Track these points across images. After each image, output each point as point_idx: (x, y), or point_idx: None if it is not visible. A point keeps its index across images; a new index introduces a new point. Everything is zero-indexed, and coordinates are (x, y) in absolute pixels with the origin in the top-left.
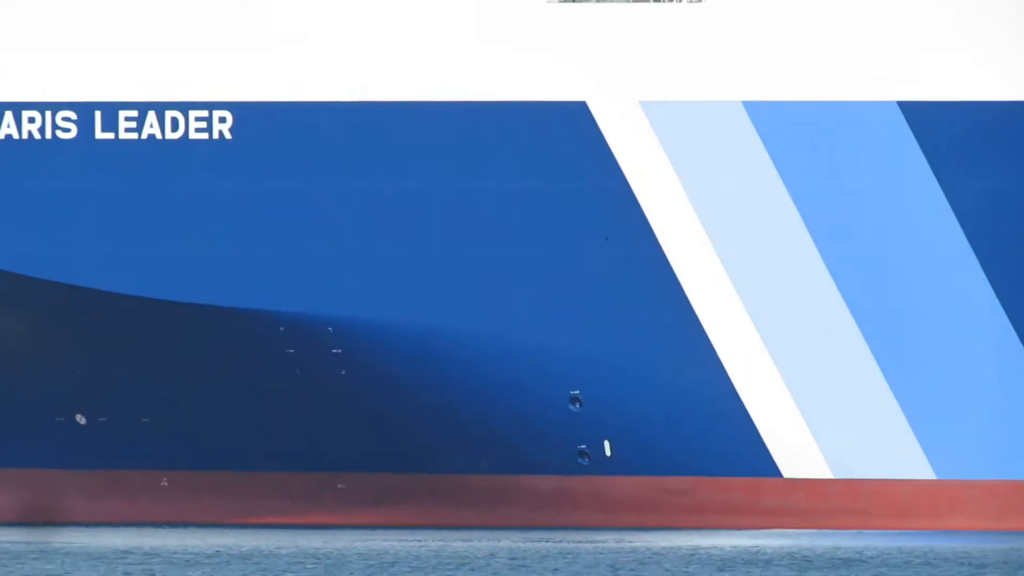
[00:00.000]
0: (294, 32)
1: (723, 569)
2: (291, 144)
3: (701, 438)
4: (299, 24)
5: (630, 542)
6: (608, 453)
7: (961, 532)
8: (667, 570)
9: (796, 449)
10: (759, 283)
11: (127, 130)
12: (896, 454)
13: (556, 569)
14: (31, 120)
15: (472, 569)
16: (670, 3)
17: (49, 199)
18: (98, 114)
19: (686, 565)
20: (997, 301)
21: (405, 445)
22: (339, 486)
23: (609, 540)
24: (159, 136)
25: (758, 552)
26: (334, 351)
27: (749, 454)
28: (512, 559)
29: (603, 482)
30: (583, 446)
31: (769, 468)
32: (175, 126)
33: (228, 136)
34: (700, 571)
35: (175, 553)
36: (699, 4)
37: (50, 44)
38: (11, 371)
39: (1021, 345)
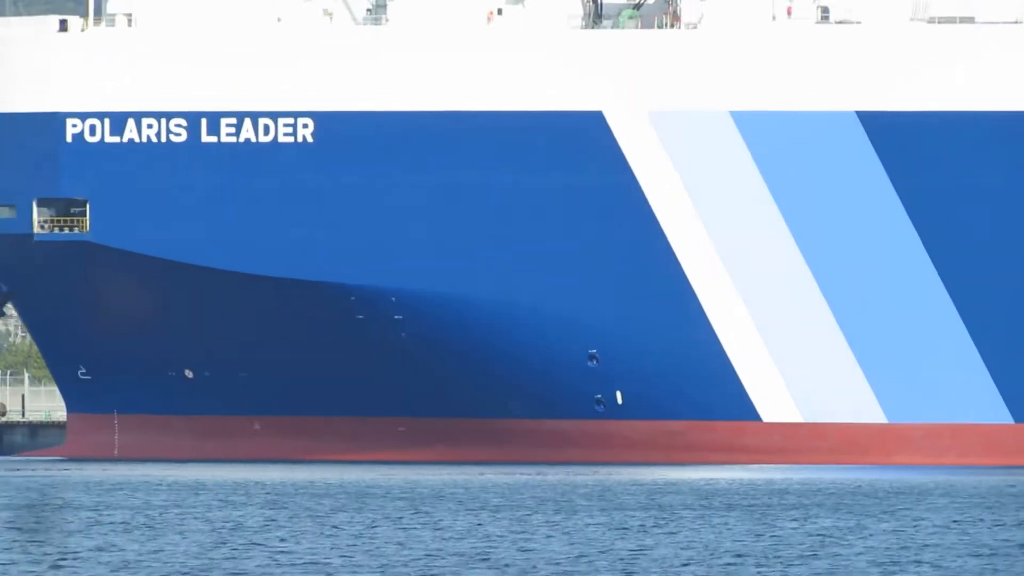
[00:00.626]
0: (364, 53)
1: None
2: (363, 146)
3: (695, 389)
4: (367, 47)
5: (651, 476)
6: (620, 401)
7: (907, 467)
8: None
9: (773, 398)
10: (745, 263)
11: (227, 134)
12: (854, 402)
13: (598, 496)
14: (149, 126)
15: (516, 495)
16: (671, 29)
17: (163, 192)
18: (204, 121)
19: (706, 497)
20: (938, 277)
21: (453, 394)
22: (400, 429)
23: (624, 473)
24: (253, 139)
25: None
26: (396, 317)
27: (734, 402)
28: (540, 490)
29: (615, 425)
30: (599, 395)
31: (751, 413)
32: (266, 131)
33: (310, 140)
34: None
35: (279, 484)
36: (695, 31)
37: (163, 64)
38: (133, 333)
39: (960, 321)
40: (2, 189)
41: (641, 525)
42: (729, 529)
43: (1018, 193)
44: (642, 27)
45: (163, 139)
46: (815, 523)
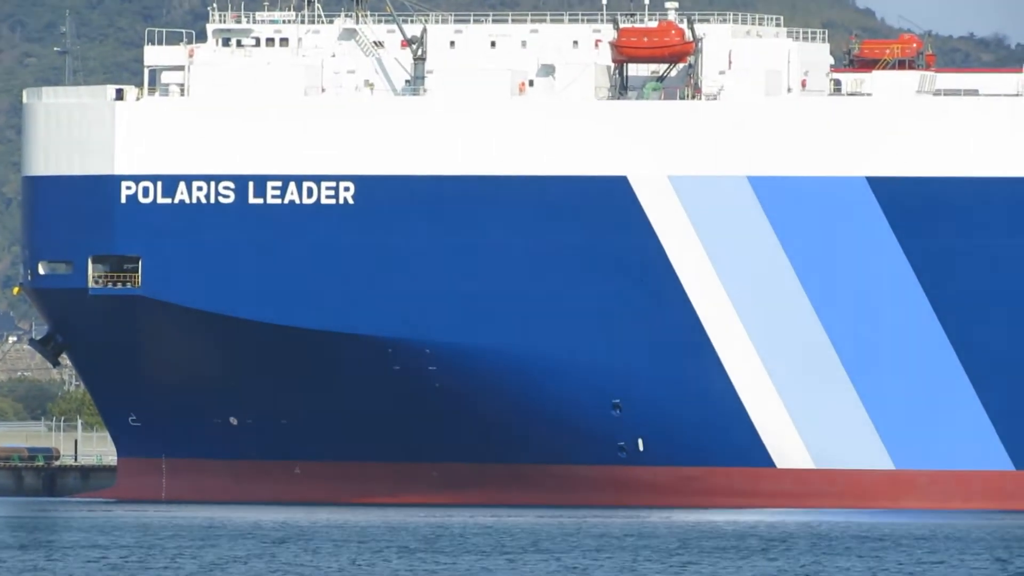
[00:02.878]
0: (402, 121)
1: (766, 546)
2: (401, 208)
3: (712, 437)
4: (406, 116)
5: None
6: (641, 448)
7: (914, 511)
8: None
9: (786, 445)
10: (760, 318)
11: (273, 196)
12: (863, 449)
13: (627, 535)
14: (199, 188)
15: (546, 538)
16: (693, 100)
17: (212, 250)
18: (251, 184)
19: (739, 539)
20: (943, 331)
21: (485, 441)
22: (433, 474)
23: (654, 515)
24: (297, 201)
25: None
26: (430, 368)
27: (750, 449)
28: (568, 531)
29: (637, 471)
30: (622, 443)
31: (765, 460)
32: (310, 193)
33: (351, 202)
34: (755, 544)
35: (318, 527)
36: (715, 101)
37: (213, 130)
38: (180, 383)
39: (963, 372)
40: (59, 246)
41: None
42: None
43: (1017, 253)
44: (665, 98)
45: (212, 200)
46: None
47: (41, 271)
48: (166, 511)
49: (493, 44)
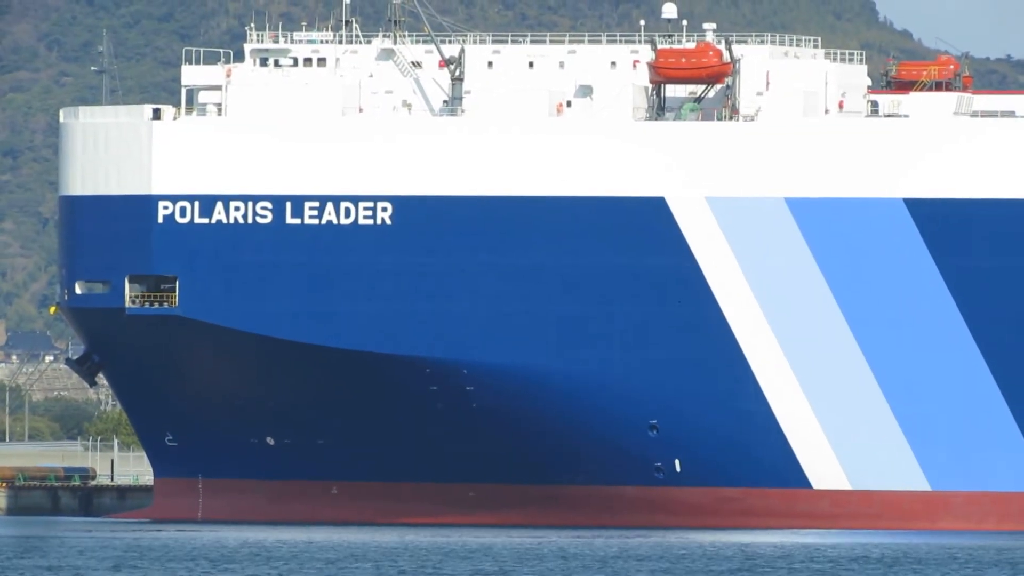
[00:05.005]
0: (440, 142)
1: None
2: (438, 228)
3: (749, 458)
4: (444, 137)
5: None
6: (678, 469)
7: (950, 532)
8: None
9: (823, 466)
10: (797, 340)
11: (310, 217)
12: (900, 470)
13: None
14: (236, 208)
15: (578, 559)
16: (730, 121)
17: (249, 270)
18: (288, 204)
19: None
20: (979, 351)
21: (522, 462)
22: (470, 494)
23: (689, 538)
24: (335, 221)
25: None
26: (467, 388)
27: (786, 470)
28: (606, 553)
29: (674, 492)
30: (659, 463)
31: (802, 481)
32: (348, 214)
33: (389, 222)
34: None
35: (355, 547)
36: (752, 122)
37: (250, 150)
38: (217, 402)
39: (999, 393)
40: (96, 266)
41: None
42: None
43: None
44: (703, 119)
45: (249, 220)
46: None
47: (78, 291)
48: (197, 530)
49: (531, 65)
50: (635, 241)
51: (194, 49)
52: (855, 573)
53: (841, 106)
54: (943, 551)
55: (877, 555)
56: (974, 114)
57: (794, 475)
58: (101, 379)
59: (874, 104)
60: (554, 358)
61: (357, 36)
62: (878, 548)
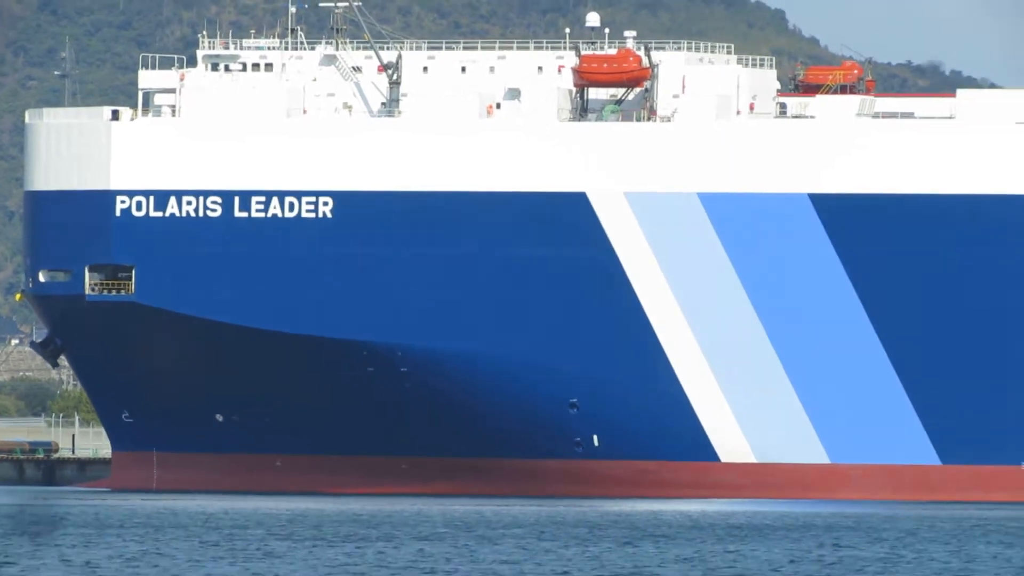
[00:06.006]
0: (378, 141)
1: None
2: (376, 221)
3: (662, 433)
4: (381, 136)
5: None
6: (596, 444)
7: (848, 502)
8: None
9: (730, 441)
10: (708, 324)
11: (257, 210)
12: (801, 445)
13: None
14: (188, 203)
15: (514, 527)
16: (648, 122)
17: (200, 260)
18: (236, 199)
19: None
20: (876, 335)
21: (451, 437)
22: (403, 466)
23: (613, 507)
24: (280, 215)
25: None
26: (401, 369)
27: (696, 445)
28: (532, 521)
29: (593, 464)
30: (579, 439)
31: (711, 455)
32: (291, 208)
33: (330, 216)
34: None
35: (297, 516)
36: (669, 123)
37: (202, 149)
38: (170, 382)
39: (894, 373)
40: (59, 256)
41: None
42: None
43: (945, 262)
44: (622, 119)
45: (201, 214)
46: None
47: (41, 279)
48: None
49: (463, 69)
50: (558, 233)
51: (150, 55)
52: (751, 536)
53: (752, 108)
54: (817, 518)
55: (767, 523)
56: (876, 115)
57: (704, 449)
58: (63, 361)
59: (783, 106)
60: (482, 342)
61: (302, 43)
62: (772, 516)
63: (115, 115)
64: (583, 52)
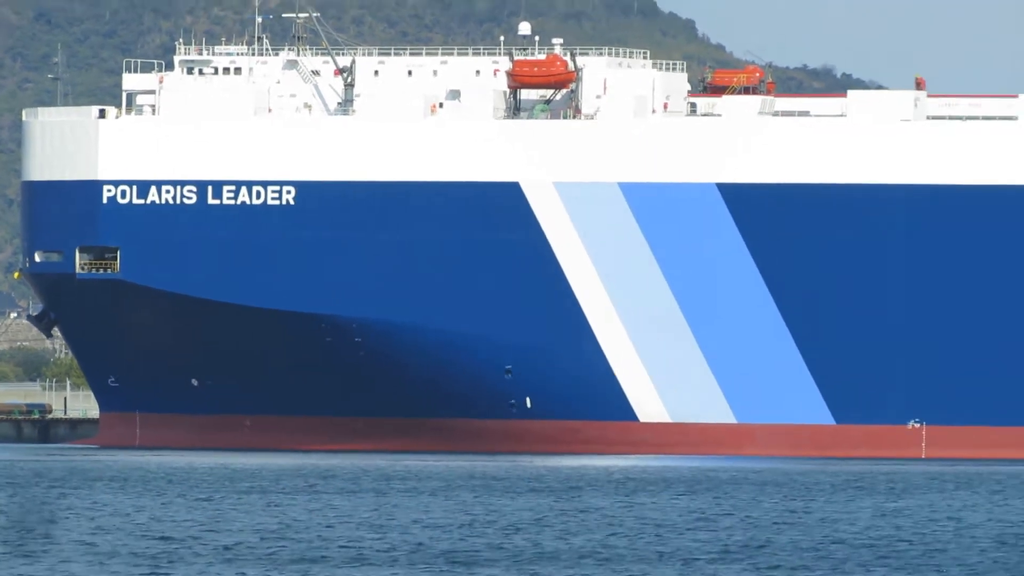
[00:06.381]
0: (335, 137)
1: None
2: (334, 207)
3: (587, 396)
4: (338, 132)
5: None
6: (529, 405)
7: (751, 458)
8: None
9: (648, 403)
10: (628, 299)
11: (228, 198)
12: (711, 406)
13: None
14: (167, 191)
15: (454, 479)
16: (574, 119)
17: (178, 242)
18: (210, 188)
19: (614, 479)
20: (777, 308)
21: (401, 399)
22: (359, 425)
23: (535, 461)
24: (248, 202)
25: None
26: (356, 339)
27: (617, 407)
28: (472, 475)
29: (526, 424)
30: (513, 401)
31: (630, 415)
32: (258, 196)
33: (293, 203)
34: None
35: (263, 469)
36: (592, 121)
37: (178, 144)
38: (152, 351)
39: (791, 340)
40: (52, 239)
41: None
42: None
43: (836, 242)
44: (551, 117)
45: (178, 201)
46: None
47: (37, 259)
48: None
49: (410, 73)
50: (494, 219)
51: (133, 60)
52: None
53: (666, 107)
54: (722, 473)
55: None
56: (776, 114)
57: (624, 410)
58: (56, 332)
59: (693, 106)
60: (428, 315)
61: (267, 50)
62: (678, 471)
63: (102, 114)
64: (516, 57)
